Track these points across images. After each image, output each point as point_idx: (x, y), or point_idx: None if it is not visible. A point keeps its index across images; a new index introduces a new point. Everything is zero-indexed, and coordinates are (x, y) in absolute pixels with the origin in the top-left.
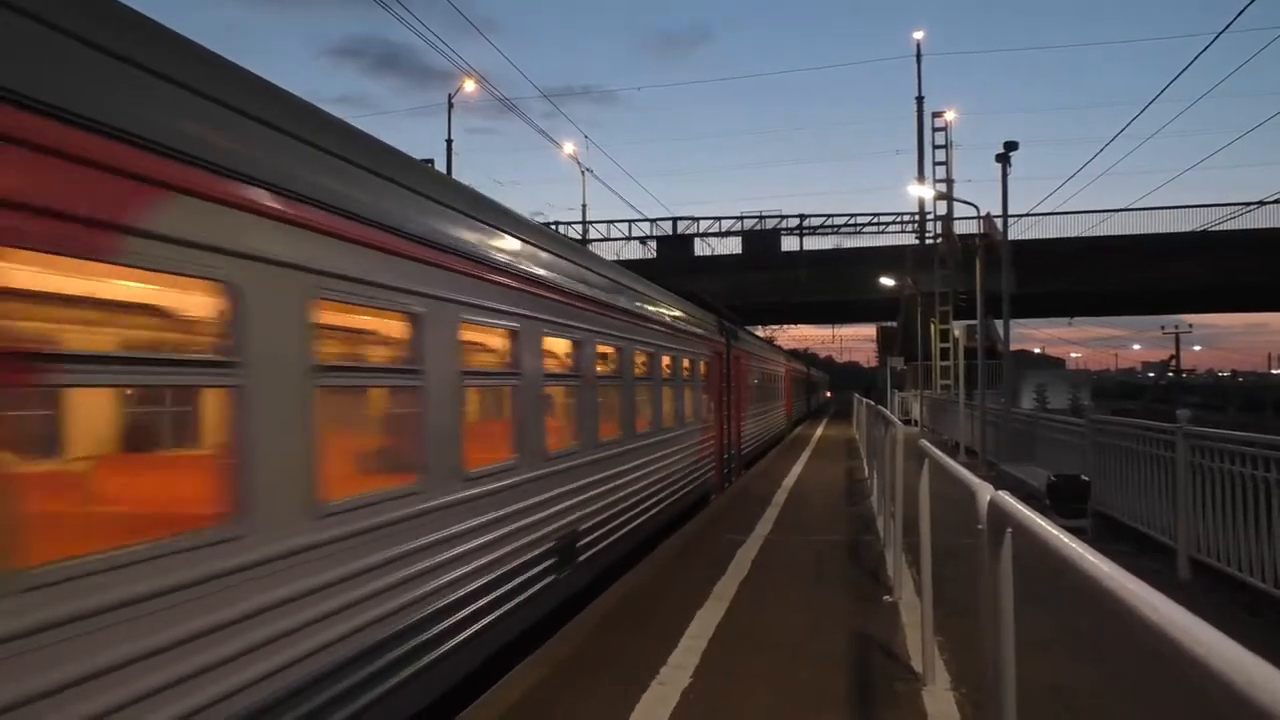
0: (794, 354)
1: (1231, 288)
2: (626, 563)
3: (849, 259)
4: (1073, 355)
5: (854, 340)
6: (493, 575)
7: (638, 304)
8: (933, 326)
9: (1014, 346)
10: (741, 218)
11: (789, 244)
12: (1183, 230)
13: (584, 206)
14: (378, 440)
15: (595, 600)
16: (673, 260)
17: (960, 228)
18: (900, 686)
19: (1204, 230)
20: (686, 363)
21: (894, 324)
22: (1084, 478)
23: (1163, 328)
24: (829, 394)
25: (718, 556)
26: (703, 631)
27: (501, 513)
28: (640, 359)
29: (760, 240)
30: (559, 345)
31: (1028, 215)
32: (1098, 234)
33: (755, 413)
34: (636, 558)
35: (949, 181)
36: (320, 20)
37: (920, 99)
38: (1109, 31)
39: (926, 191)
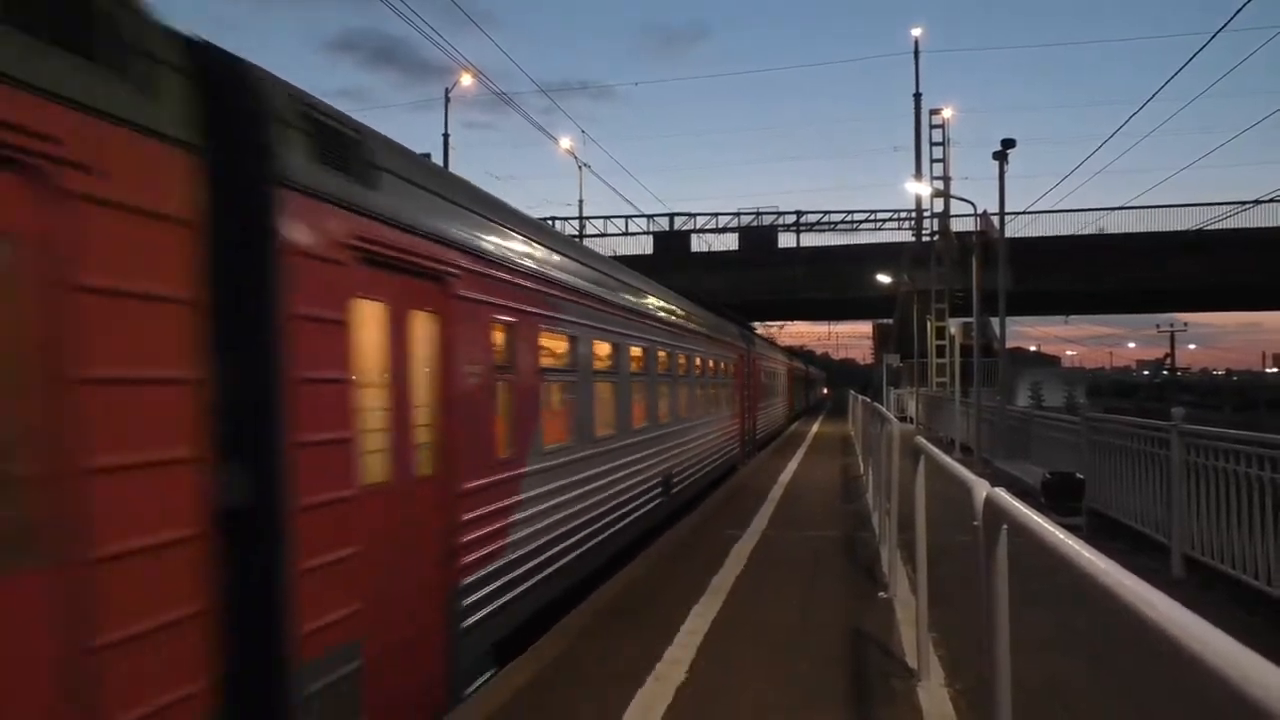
0: (791, 352)
1: (1227, 287)
2: (696, 500)
3: (846, 256)
4: (1068, 353)
5: (850, 337)
6: (637, 491)
7: (693, 324)
8: (929, 324)
9: (1010, 344)
10: (738, 214)
11: (786, 241)
12: (1178, 229)
13: (580, 202)
14: (581, 413)
15: (591, 595)
16: (669, 256)
17: (957, 225)
18: (896, 683)
19: (1199, 229)
20: (723, 365)
21: (890, 321)
22: (1079, 475)
23: (1158, 326)
24: (826, 391)
25: (715, 552)
26: (699, 626)
27: (638, 455)
28: (699, 362)
29: (757, 237)
30: (661, 356)
31: (1025, 213)
32: (1094, 232)
33: (765, 405)
34: (700, 499)
35: (946, 179)
36: (318, 13)
37: (918, 96)
38: (1108, 30)
39: (924, 189)
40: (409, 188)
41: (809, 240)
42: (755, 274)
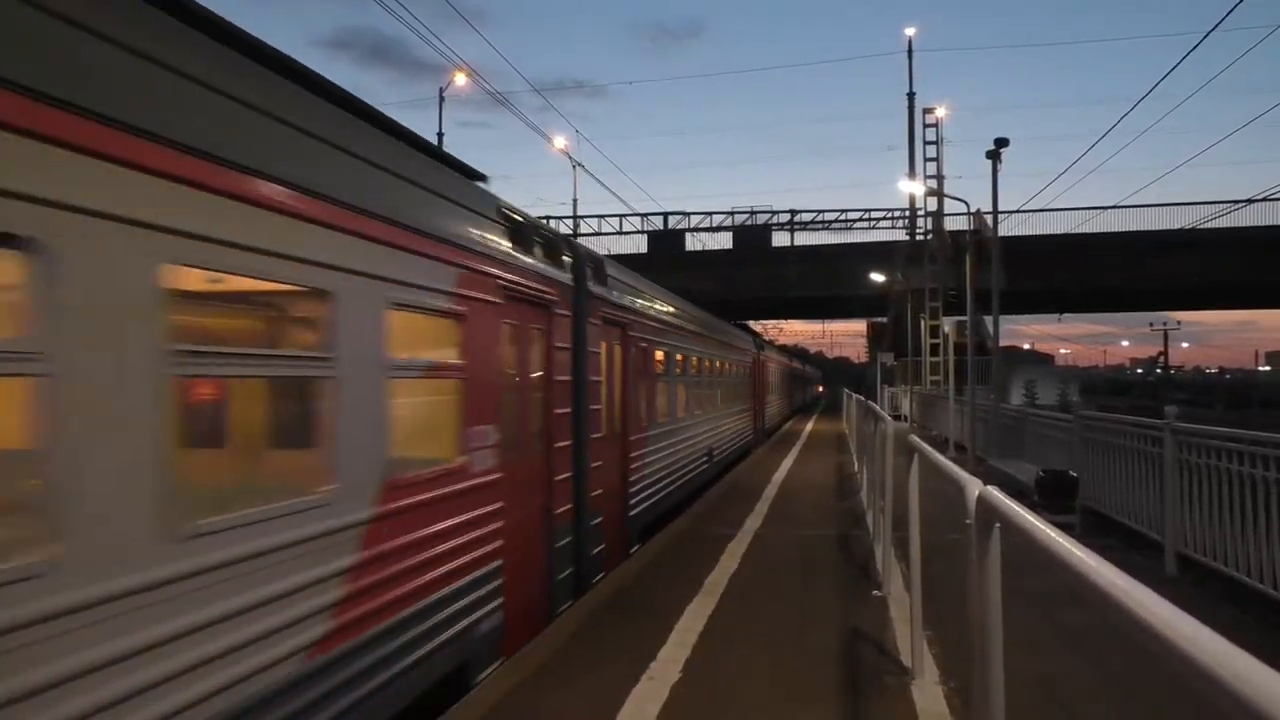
0: (786, 350)
1: (1220, 285)
2: (726, 469)
3: (840, 254)
4: (1062, 351)
5: (844, 336)
6: (689, 458)
7: (719, 334)
8: (923, 322)
9: (1003, 343)
10: (732, 213)
11: (780, 240)
12: (1172, 228)
13: (574, 201)
14: (672, 400)
15: (585, 595)
16: (663, 255)
17: (951, 224)
18: (889, 680)
19: (1193, 228)
20: (741, 368)
21: (884, 320)
22: (1072, 473)
23: (1151, 325)
24: (821, 389)
25: (708, 550)
26: (693, 625)
27: (692, 433)
28: (727, 366)
29: (751, 236)
30: (708, 362)
31: (1018, 212)
32: (1087, 230)
33: (771, 401)
34: (729, 468)
35: (939, 178)
36: (312, 11)
37: (911, 95)
38: (1103, 29)
39: (917, 188)
40: (620, 284)
41: (803, 239)
42: (749, 272)
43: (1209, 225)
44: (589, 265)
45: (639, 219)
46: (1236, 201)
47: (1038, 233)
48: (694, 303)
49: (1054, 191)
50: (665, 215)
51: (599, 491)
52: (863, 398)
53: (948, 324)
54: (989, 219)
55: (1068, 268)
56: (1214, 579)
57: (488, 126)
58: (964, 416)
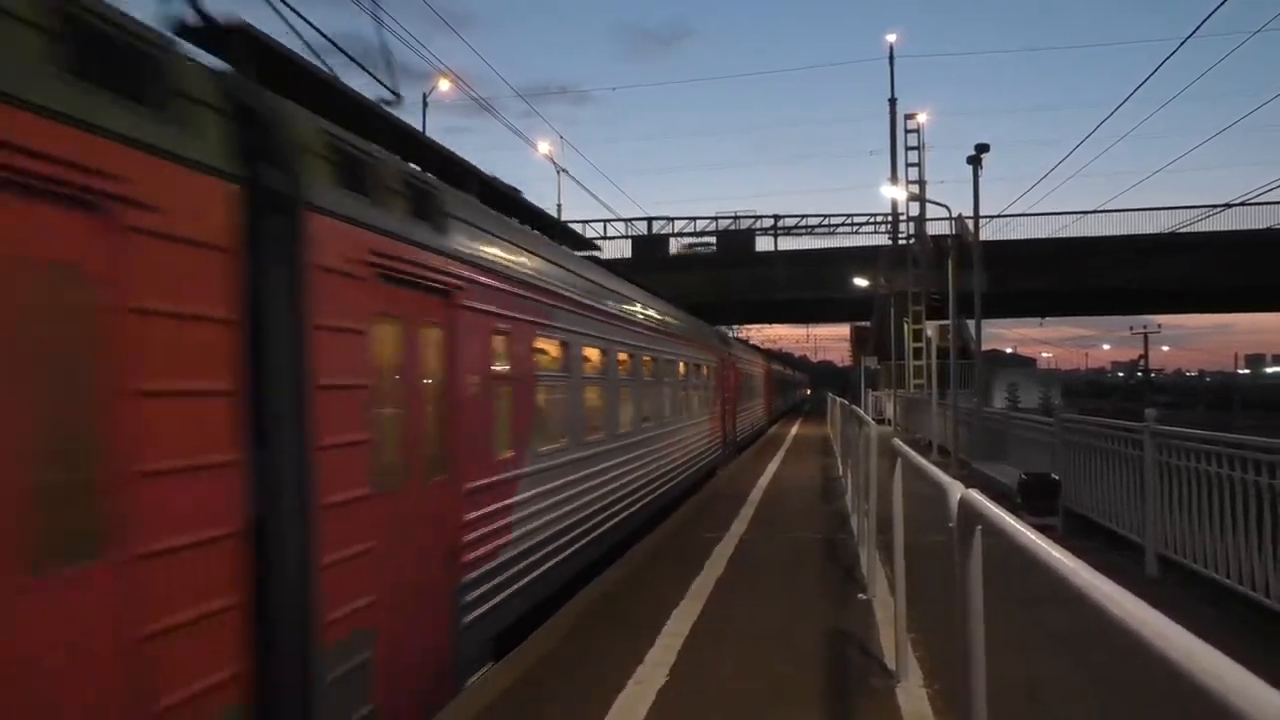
0: (770, 354)
1: (1200, 289)
2: (686, 493)
3: (823, 259)
4: (1044, 355)
5: (828, 340)
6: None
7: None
8: (906, 326)
9: (986, 346)
10: (716, 217)
11: (764, 244)
12: (1153, 231)
13: (559, 206)
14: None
15: (571, 599)
16: (648, 259)
17: (934, 228)
18: (875, 683)
19: (1173, 232)
20: (704, 369)
21: (868, 324)
22: (1054, 476)
23: (1131, 328)
24: (809, 391)
25: (694, 555)
26: (680, 629)
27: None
28: (679, 368)
29: (735, 240)
30: (645, 360)
31: (1000, 216)
32: (1069, 234)
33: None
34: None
35: (921, 182)
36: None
37: (893, 101)
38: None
39: (899, 192)
40: (739, 345)
41: (787, 244)
42: (733, 276)
43: (1189, 229)
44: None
45: (623, 224)
46: (1215, 206)
47: (1020, 237)
48: (679, 307)
49: (1036, 195)
50: (649, 220)
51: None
52: (847, 401)
53: (930, 327)
54: (970, 223)
55: (1049, 271)
56: (1195, 581)
57: (472, 131)
58: (947, 420)
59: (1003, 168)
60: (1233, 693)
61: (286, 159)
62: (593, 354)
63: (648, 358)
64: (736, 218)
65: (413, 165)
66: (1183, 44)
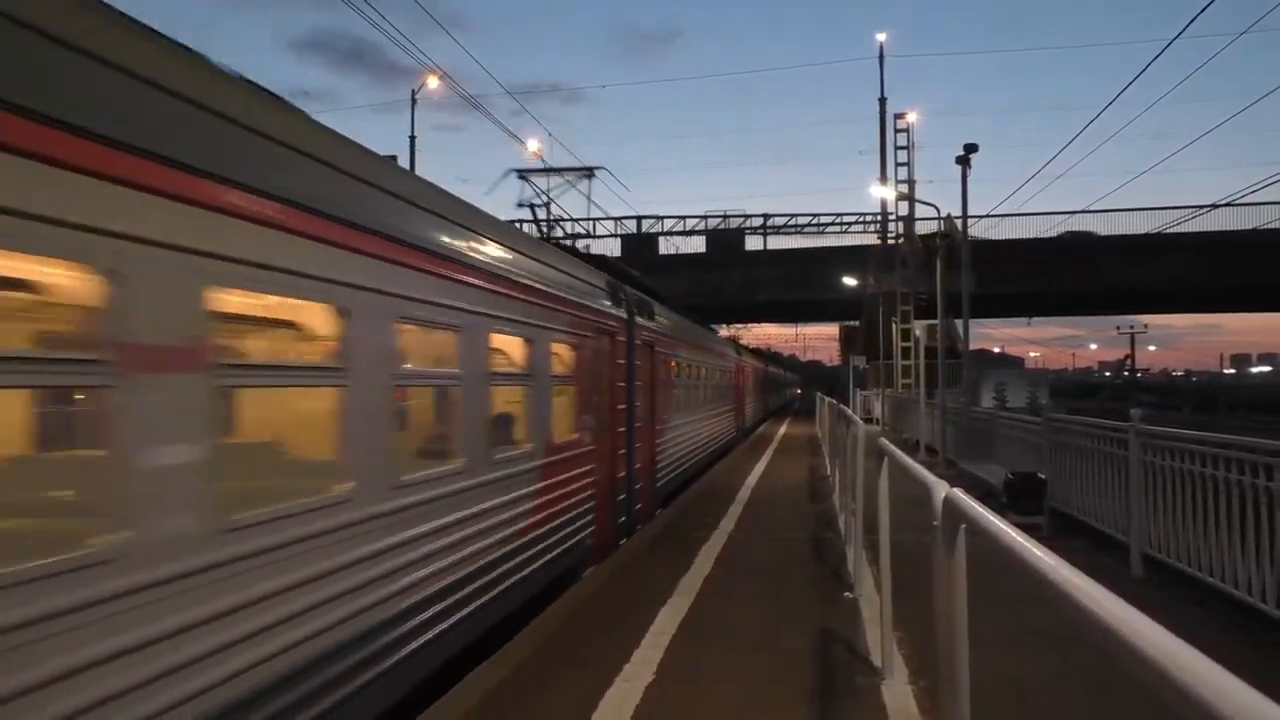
0: (763, 355)
1: (1187, 289)
2: (722, 454)
3: (812, 259)
4: (1031, 355)
5: (817, 339)
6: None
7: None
8: (894, 326)
9: (974, 346)
10: (705, 217)
11: (753, 244)
12: (1140, 232)
13: (548, 204)
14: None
15: (560, 598)
16: (637, 258)
17: (922, 228)
18: (860, 680)
19: (1160, 232)
20: (725, 373)
21: (857, 323)
22: (1040, 475)
23: (1118, 328)
24: (798, 390)
25: (682, 553)
26: (667, 628)
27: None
28: (717, 372)
29: (724, 239)
30: (704, 369)
31: (988, 216)
32: (1057, 234)
33: (750, 403)
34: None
35: (910, 182)
36: (284, 13)
37: (883, 100)
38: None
39: (888, 192)
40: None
41: (776, 243)
42: (722, 275)
43: (1177, 229)
44: (634, 305)
45: (613, 223)
46: (1202, 206)
47: (1008, 237)
48: (666, 304)
49: (1024, 196)
50: (639, 219)
51: (639, 465)
52: (835, 401)
53: (919, 327)
54: (959, 223)
55: (1038, 271)
56: (1179, 580)
57: (461, 130)
58: (935, 419)
59: (992, 167)
60: (1212, 693)
61: (629, 306)
62: (688, 367)
63: (705, 369)
64: (726, 217)
65: (645, 293)
66: (1169, 45)
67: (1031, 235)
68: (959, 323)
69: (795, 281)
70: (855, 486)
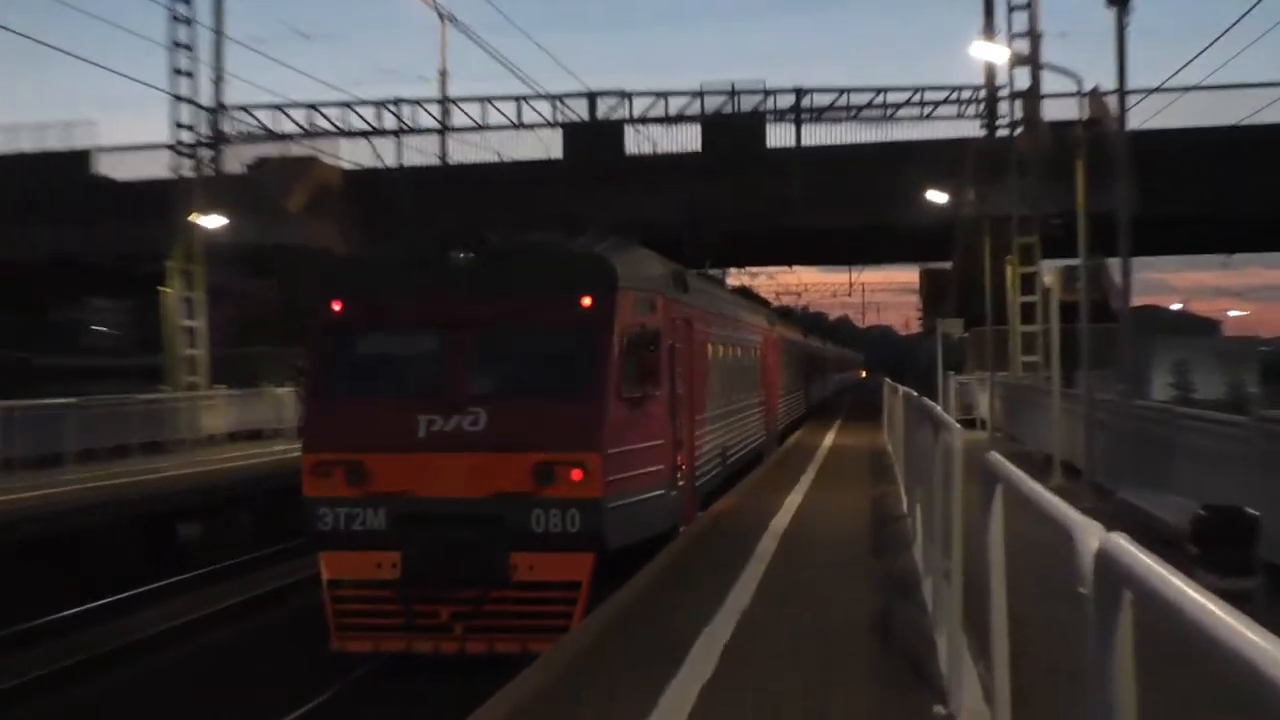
0: (787, 315)
1: None
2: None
3: (873, 161)
4: (1231, 314)
5: (883, 291)
6: (789, 405)
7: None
8: (1009, 270)
9: (1138, 300)
10: (701, 94)
11: (779, 137)
12: None
13: (443, 74)
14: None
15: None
16: (591, 162)
17: (1052, 110)
18: None
19: None
20: (789, 353)
21: (947, 266)
22: (1251, 512)
23: None
24: (862, 374)
25: (669, 644)
26: None
27: (785, 390)
28: (786, 340)
29: (731, 130)
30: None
31: (1159, 90)
32: (1269, 120)
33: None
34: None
35: (1033, 35)
36: None
37: None
38: None
39: (998, 52)
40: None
41: (815, 135)
42: (728, 190)
43: None
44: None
45: (550, 104)
46: None
47: (1190, 124)
48: (639, 237)
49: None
50: (591, 97)
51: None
52: (914, 392)
53: (1049, 272)
54: (1112, 102)
55: (1237, 179)
56: None
57: None
58: (1075, 421)
59: (1161, 15)
60: None
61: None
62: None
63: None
64: (734, 94)
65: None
66: None
67: (1228, 122)
68: (1114, 264)
69: (846, 198)
70: (949, 532)
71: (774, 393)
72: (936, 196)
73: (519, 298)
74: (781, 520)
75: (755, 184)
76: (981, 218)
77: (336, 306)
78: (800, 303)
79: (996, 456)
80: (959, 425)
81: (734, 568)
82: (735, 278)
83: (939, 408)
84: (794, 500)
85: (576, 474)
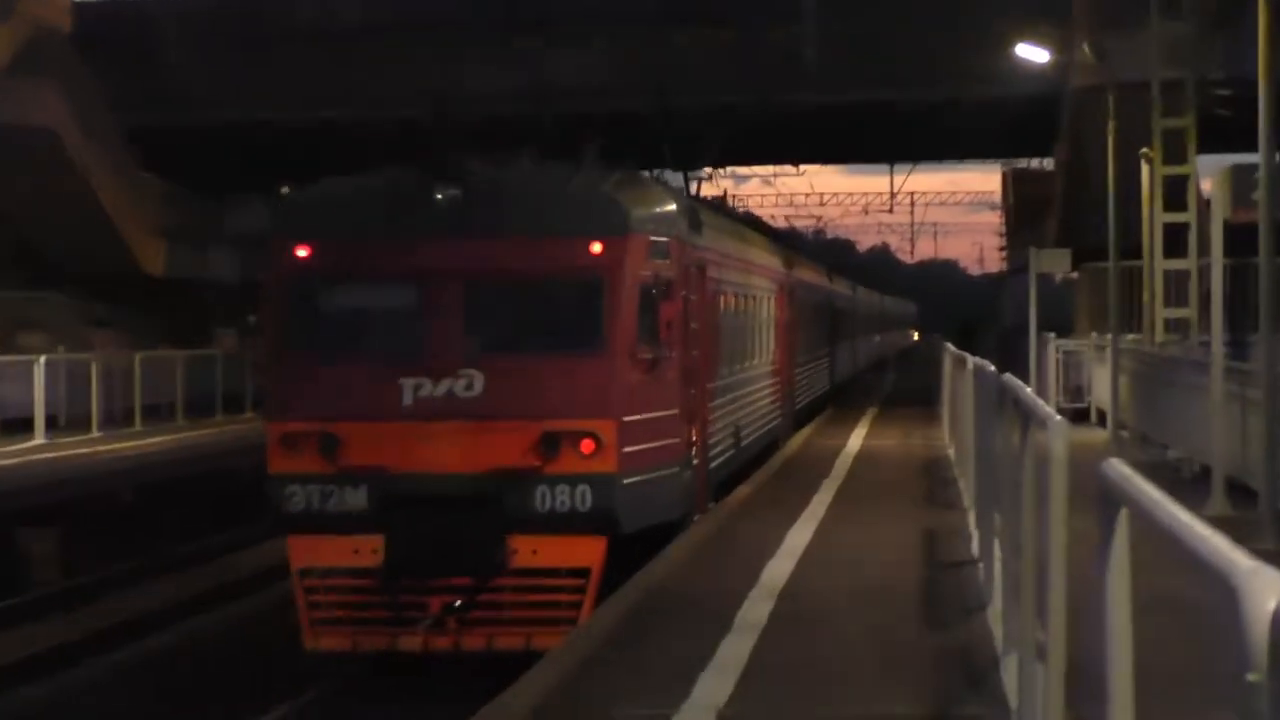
0: (791, 242)
1: None
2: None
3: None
4: None
5: (943, 205)
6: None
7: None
8: (1145, 171)
9: None
10: None
11: None
12: None
13: None
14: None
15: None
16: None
17: None
18: None
19: None
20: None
21: (1045, 166)
22: None
23: None
24: (914, 335)
25: None
26: None
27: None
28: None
29: None
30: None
31: None
32: None
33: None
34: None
35: None
36: None
37: None
38: None
39: None
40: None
41: None
42: (701, 40)
43: None
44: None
45: None
46: None
47: None
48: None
49: None
50: None
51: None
52: (989, 365)
53: (1210, 175)
54: None
55: None
56: None
57: None
58: (1250, 415)
59: None
60: None
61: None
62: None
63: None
64: None
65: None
66: None
67: None
68: None
69: (888, 57)
70: (1045, 585)
71: (791, 359)
72: (1030, 53)
73: (517, 242)
74: (783, 565)
75: (749, 35)
76: (1103, 88)
77: (303, 252)
78: (813, 224)
79: (1120, 466)
80: (1060, 418)
81: (699, 649)
82: (713, 185)
83: (1029, 390)
84: (804, 536)
85: (587, 444)
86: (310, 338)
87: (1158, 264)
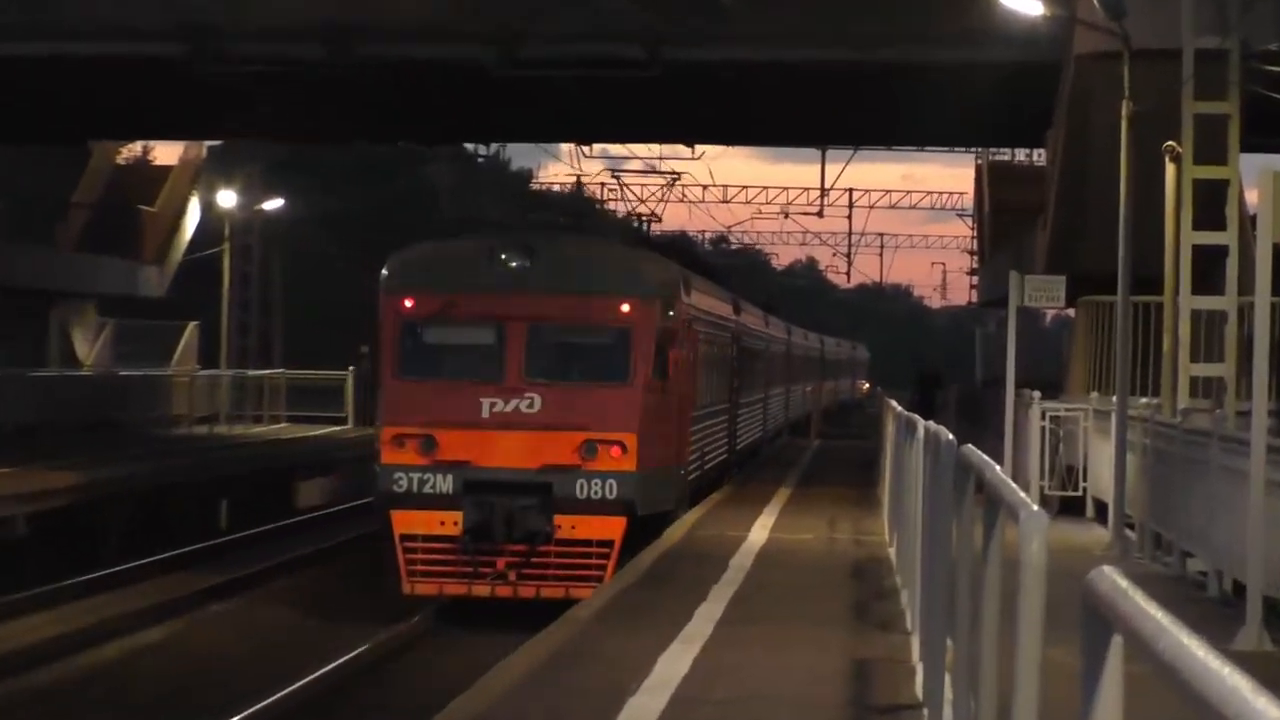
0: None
1: None
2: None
3: None
4: None
5: (899, 211)
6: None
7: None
8: (1171, 169)
9: None
10: None
11: None
12: None
13: None
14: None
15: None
16: None
17: None
18: None
19: None
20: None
21: (1033, 159)
22: None
23: None
24: (864, 385)
25: None
26: None
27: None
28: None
29: None
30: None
31: None
32: None
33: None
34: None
35: None
36: None
37: None
38: None
39: None
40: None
41: None
42: None
43: None
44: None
45: None
46: None
47: None
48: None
49: None
50: None
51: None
52: (944, 431)
53: (1254, 181)
54: None
55: None
56: None
57: None
58: None
59: None
60: None
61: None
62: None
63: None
64: None
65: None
66: None
67: None
68: None
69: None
70: None
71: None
72: (1019, 3)
73: (568, 298)
74: (640, 715)
75: None
76: (1116, 56)
77: (409, 303)
78: (712, 230)
79: (1112, 575)
80: (1038, 509)
81: None
82: (566, 164)
83: (998, 469)
84: (672, 666)
85: (616, 450)
86: (413, 365)
87: (1184, 301)
